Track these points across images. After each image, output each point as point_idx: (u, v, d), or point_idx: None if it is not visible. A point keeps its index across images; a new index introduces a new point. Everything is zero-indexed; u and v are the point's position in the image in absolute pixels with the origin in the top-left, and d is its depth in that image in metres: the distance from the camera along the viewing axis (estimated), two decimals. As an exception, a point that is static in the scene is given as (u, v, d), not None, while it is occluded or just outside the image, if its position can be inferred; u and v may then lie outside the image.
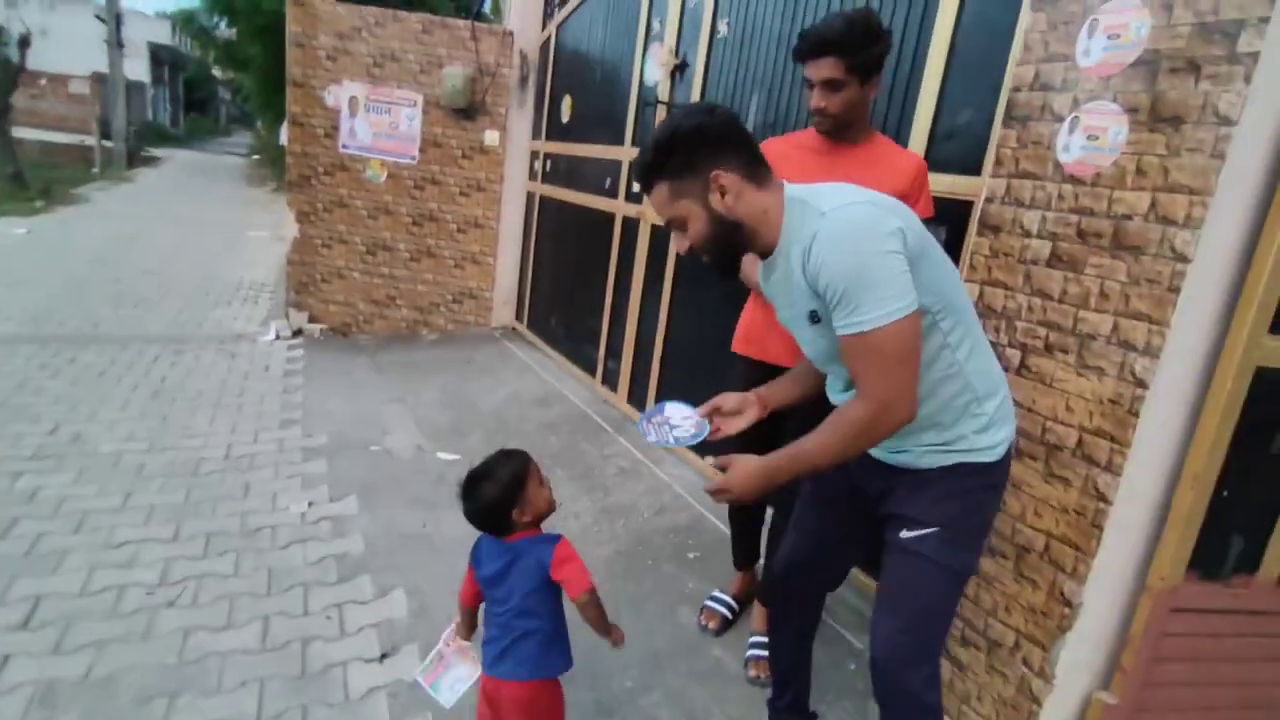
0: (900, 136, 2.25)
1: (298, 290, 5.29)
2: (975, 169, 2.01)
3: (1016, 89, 1.70)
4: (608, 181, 4.17)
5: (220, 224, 10.19)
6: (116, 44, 15.76)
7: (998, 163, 1.74)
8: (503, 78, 5.17)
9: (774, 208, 1.24)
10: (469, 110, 5.14)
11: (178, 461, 3.03)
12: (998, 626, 1.74)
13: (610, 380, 4.18)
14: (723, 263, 1.32)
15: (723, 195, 1.22)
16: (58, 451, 3.00)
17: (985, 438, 1.26)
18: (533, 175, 5.36)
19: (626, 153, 3.95)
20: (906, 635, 1.30)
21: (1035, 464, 1.64)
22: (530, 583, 1.39)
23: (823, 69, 1.68)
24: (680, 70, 3.47)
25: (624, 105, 3.99)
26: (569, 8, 4.76)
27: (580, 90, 4.67)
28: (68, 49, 20.00)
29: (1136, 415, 1.45)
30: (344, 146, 5.12)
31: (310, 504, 2.79)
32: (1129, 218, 1.47)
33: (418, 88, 5.09)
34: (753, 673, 2.01)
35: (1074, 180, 1.57)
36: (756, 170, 1.25)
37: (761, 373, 1.78)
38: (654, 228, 3.68)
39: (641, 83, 3.84)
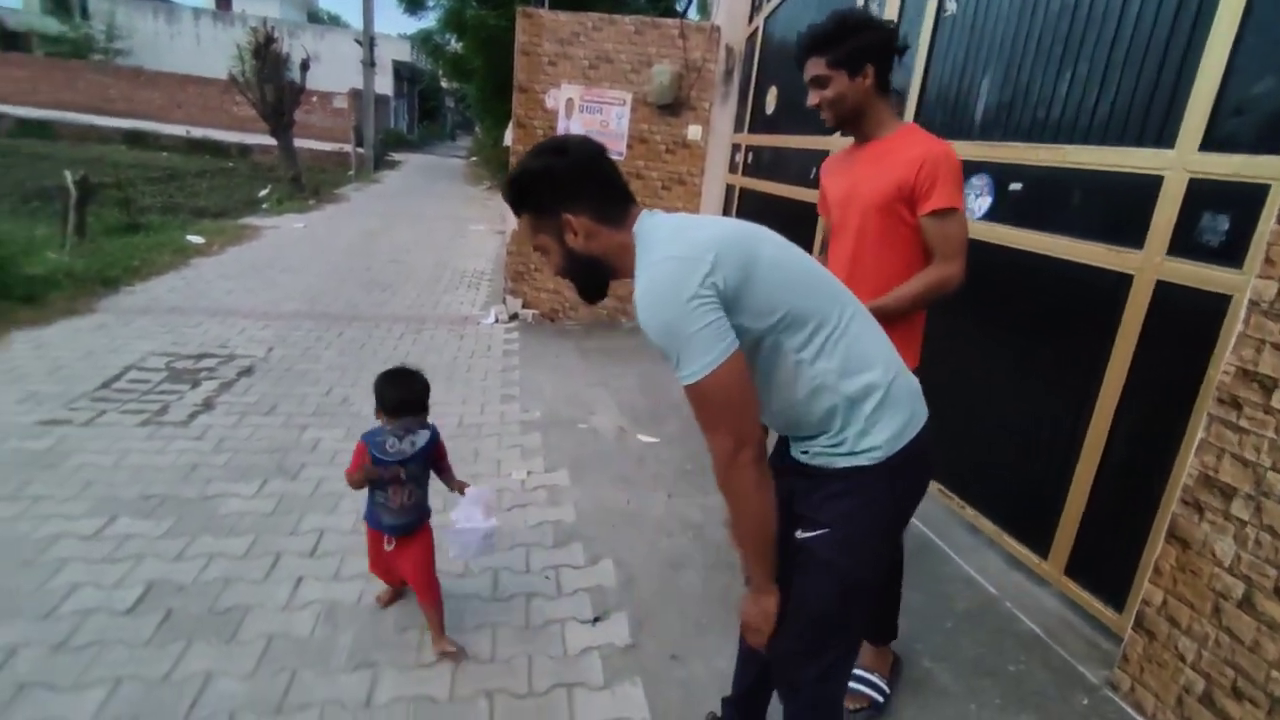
0: (1172, 111, 1.98)
1: (514, 279, 5.79)
2: (1273, 147, 1.72)
3: (1346, 49, 1.43)
4: (812, 172, 4.08)
5: (446, 218, 11.43)
6: (370, 64, 18.17)
7: (1313, 138, 1.48)
8: (708, 73, 5.25)
9: (631, 243, 1.24)
10: (674, 106, 5.29)
11: (420, 427, 3.47)
12: (1283, 682, 1.49)
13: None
14: (587, 292, 1.36)
15: (575, 235, 1.23)
16: (331, 410, 3.57)
17: (866, 440, 1.21)
18: (733, 168, 5.39)
19: (833, 142, 3.84)
20: (797, 641, 1.30)
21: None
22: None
23: (809, 69, 1.75)
24: (900, 53, 3.30)
25: (834, 93, 3.87)
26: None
27: (787, 81, 4.61)
28: (330, 69, 23.54)
29: None
30: (559, 145, 5.50)
31: (529, 473, 3.07)
32: None
33: (627, 86, 5.33)
34: (850, 705, 1.86)
35: None
36: (611, 210, 1.24)
37: None
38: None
39: (855, 68, 3.70)
